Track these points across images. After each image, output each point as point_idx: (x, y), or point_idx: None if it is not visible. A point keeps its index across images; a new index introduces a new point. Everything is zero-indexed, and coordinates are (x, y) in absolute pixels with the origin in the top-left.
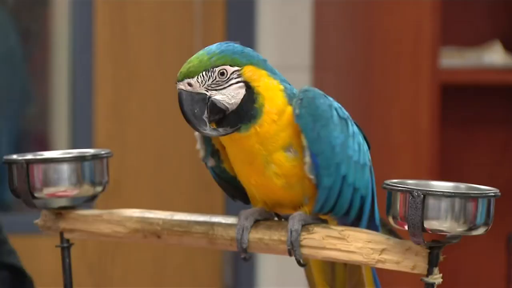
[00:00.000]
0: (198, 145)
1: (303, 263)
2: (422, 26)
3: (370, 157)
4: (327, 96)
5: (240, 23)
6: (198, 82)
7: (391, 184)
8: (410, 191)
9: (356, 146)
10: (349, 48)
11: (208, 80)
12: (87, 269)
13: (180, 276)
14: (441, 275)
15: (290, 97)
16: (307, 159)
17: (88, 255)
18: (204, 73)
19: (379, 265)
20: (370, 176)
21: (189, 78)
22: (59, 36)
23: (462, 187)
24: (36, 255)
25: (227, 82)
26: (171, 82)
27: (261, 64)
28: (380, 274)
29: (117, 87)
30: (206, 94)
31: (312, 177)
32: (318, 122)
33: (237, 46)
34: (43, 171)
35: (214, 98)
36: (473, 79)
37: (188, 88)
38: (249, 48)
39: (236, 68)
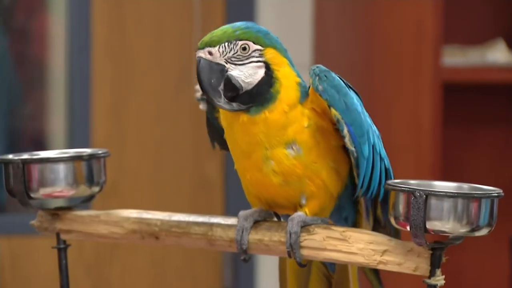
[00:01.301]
0: (197, 87)
1: (303, 264)
2: (424, 24)
3: None
4: None
5: (239, 21)
6: (219, 52)
7: (393, 184)
8: (412, 192)
9: (368, 116)
10: (349, 46)
11: (229, 52)
12: (84, 271)
13: (179, 278)
14: (443, 276)
15: (303, 94)
16: (345, 131)
17: (85, 256)
18: (226, 44)
19: (381, 267)
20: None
21: (210, 46)
22: (56, 34)
23: (465, 187)
24: (33, 256)
25: (247, 58)
26: (170, 81)
27: (284, 52)
28: (381, 275)
29: (115, 85)
30: (225, 66)
31: (353, 148)
32: (341, 92)
33: (262, 27)
34: (39, 171)
35: (230, 74)
36: (476, 78)
37: (208, 56)
38: (273, 34)
39: (259, 47)
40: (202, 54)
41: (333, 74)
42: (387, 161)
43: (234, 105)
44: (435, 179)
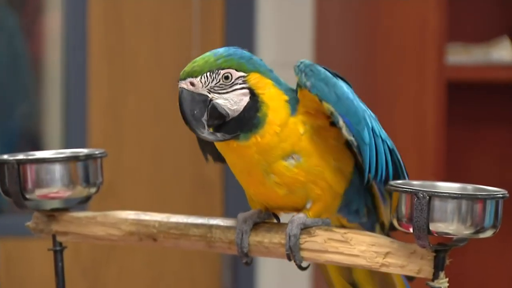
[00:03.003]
0: None
1: (304, 266)
2: (428, 22)
3: None
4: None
5: (239, 20)
6: (201, 82)
7: (395, 185)
8: (415, 193)
9: (361, 101)
10: (351, 44)
11: (212, 82)
12: (81, 273)
13: (178, 281)
14: (447, 279)
15: (293, 106)
16: (341, 122)
17: (82, 258)
18: (208, 73)
19: (383, 269)
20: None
21: (192, 77)
22: (52, 32)
23: (469, 188)
24: (28, 258)
25: (231, 87)
26: (168, 80)
27: (268, 73)
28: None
29: (112, 85)
30: (208, 96)
31: (351, 138)
32: (329, 84)
33: (245, 52)
34: (35, 171)
35: (216, 102)
36: (481, 76)
37: (190, 87)
38: (256, 57)
39: (242, 73)
40: (184, 85)
41: (319, 67)
42: (389, 142)
43: (219, 135)
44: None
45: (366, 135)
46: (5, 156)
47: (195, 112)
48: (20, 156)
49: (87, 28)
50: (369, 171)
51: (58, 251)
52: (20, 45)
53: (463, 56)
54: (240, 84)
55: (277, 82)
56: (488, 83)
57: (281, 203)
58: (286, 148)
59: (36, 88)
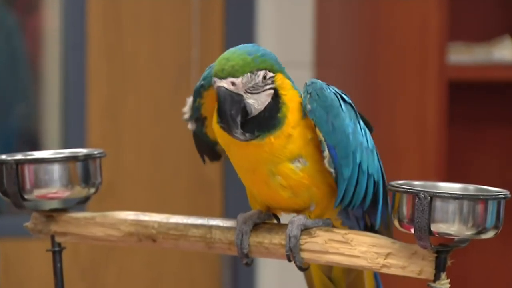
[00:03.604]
0: (186, 109)
1: (304, 267)
2: (429, 20)
3: (373, 141)
4: (329, 85)
5: (239, 18)
6: (242, 83)
7: (396, 185)
8: (416, 193)
9: (362, 131)
10: (352, 43)
11: (251, 82)
12: (80, 274)
13: (177, 282)
14: (448, 280)
15: (305, 111)
16: (326, 152)
17: (81, 259)
18: (249, 74)
19: (384, 270)
20: (378, 159)
21: (234, 77)
22: (50, 31)
23: (471, 188)
24: (27, 259)
25: (263, 87)
26: (168, 80)
27: (286, 74)
28: (385, 278)
29: (111, 84)
30: (243, 96)
31: (332, 170)
32: (331, 113)
33: (271, 52)
34: (33, 171)
35: (247, 102)
36: (482, 76)
37: (231, 87)
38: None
39: (272, 74)
40: (225, 84)
41: (327, 92)
42: (377, 175)
43: (248, 135)
44: (440, 180)
45: (347, 171)
46: (4, 156)
47: (232, 112)
48: (19, 156)
49: (86, 27)
50: (342, 201)
51: (56, 251)
52: (18, 44)
53: (464, 56)
54: (269, 84)
55: (292, 81)
56: (489, 83)
57: (284, 204)
58: (294, 151)
59: (34, 88)
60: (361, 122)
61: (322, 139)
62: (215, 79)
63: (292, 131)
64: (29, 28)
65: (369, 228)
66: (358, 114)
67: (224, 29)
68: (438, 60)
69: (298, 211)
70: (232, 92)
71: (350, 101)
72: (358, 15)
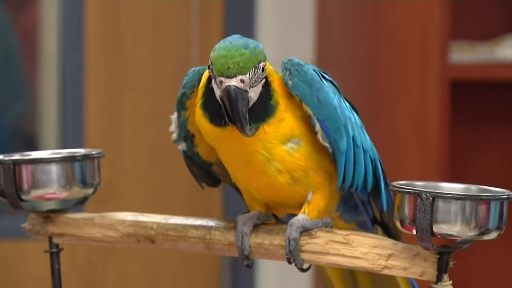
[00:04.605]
0: (172, 128)
1: (305, 268)
2: (431, 19)
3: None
4: (306, 63)
5: (239, 16)
6: (249, 78)
7: (398, 186)
8: (418, 194)
9: (348, 108)
10: (353, 42)
11: (254, 77)
12: (77, 276)
13: (176, 284)
14: (451, 282)
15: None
16: (317, 127)
17: (79, 261)
18: (253, 69)
19: (386, 272)
20: (369, 139)
21: (242, 74)
22: (48, 29)
23: (473, 189)
24: (24, 260)
25: (260, 79)
26: (166, 79)
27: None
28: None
29: (110, 83)
30: (248, 92)
31: (326, 144)
32: (313, 87)
33: (252, 39)
34: (31, 172)
35: (249, 96)
36: (485, 75)
37: (241, 85)
38: None
39: (264, 63)
40: (235, 82)
41: (306, 68)
42: (372, 153)
43: (253, 130)
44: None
45: (343, 143)
46: (1, 156)
47: (243, 109)
48: (16, 156)
49: (84, 24)
50: (344, 181)
51: (54, 253)
52: (11, 42)
53: (467, 55)
54: (263, 74)
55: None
56: (492, 82)
57: (283, 195)
58: (287, 132)
59: (32, 87)
60: (346, 102)
61: (311, 113)
62: (221, 78)
63: (284, 115)
64: (26, 26)
65: (377, 221)
66: (341, 93)
67: (224, 27)
68: (440, 59)
69: (297, 206)
70: (242, 89)
71: (331, 79)
72: (360, 14)
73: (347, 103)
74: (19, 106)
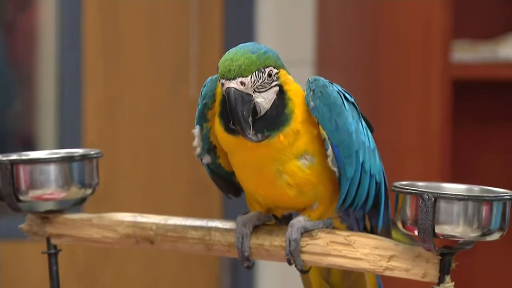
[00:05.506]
0: (196, 142)
1: (305, 270)
2: (433, 18)
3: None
4: (332, 83)
5: (239, 15)
6: (251, 82)
7: (400, 186)
8: (420, 194)
9: (364, 130)
10: (354, 42)
11: (258, 81)
12: (76, 277)
13: (175, 285)
14: (453, 283)
15: (307, 105)
16: (330, 151)
17: (77, 262)
18: (256, 73)
19: (387, 273)
20: (379, 161)
21: (242, 77)
22: (46, 30)
23: (476, 189)
24: (22, 262)
25: (269, 84)
26: (165, 79)
27: (286, 69)
28: (387, 280)
29: (108, 83)
30: (252, 96)
31: (335, 169)
32: (334, 111)
33: (268, 47)
34: (28, 172)
35: (256, 101)
36: (487, 74)
37: (241, 87)
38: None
39: (276, 70)
40: (235, 84)
41: (330, 90)
42: (379, 175)
43: (260, 136)
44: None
45: (350, 170)
46: None
47: (244, 112)
48: (14, 157)
49: (82, 24)
50: (344, 201)
51: (52, 254)
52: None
53: (469, 54)
54: (275, 81)
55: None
56: (494, 81)
57: (289, 203)
58: (301, 147)
59: (30, 87)
60: (363, 122)
61: (326, 137)
62: (222, 81)
63: (299, 127)
64: (24, 26)
65: (368, 230)
66: (360, 113)
67: (223, 27)
68: (442, 59)
69: (300, 210)
70: (242, 92)
71: (353, 100)
72: (361, 13)
73: (363, 123)
74: (17, 106)
